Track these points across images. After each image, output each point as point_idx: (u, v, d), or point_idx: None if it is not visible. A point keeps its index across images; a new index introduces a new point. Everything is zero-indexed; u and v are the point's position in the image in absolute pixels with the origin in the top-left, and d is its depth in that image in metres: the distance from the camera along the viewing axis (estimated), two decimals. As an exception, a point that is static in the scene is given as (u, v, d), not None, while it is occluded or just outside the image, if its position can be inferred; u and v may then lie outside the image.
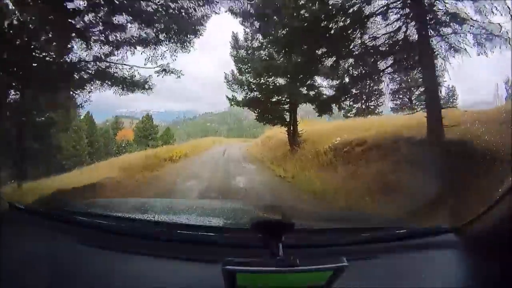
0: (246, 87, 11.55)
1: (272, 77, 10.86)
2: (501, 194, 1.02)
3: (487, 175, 2.14)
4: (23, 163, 7.18)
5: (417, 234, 1.20)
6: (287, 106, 11.44)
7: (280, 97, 11.25)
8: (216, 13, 7.30)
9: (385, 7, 6.38)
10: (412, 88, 12.61)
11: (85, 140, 15.94)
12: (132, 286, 0.92)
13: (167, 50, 7.47)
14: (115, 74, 7.35)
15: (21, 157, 7.11)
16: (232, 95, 12.00)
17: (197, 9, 6.91)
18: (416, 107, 11.94)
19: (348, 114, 13.43)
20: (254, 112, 11.90)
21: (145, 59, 7.53)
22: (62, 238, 1.11)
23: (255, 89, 11.42)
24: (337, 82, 9.10)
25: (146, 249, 1.03)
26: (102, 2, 6.29)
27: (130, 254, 1.02)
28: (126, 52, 7.28)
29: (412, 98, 12.79)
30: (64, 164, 11.61)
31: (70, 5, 6.00)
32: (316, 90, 10.65)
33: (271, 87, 10.92)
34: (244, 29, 10.87)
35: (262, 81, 11.09)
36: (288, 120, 11.27)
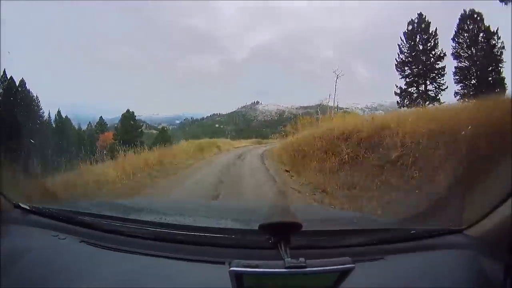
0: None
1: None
2: (507, 193, 1.02)
3: (495, 175, 1.78)
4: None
5: (424, 235, 1.19)
6: None
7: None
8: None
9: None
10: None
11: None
12: (139, 287, 0.92)
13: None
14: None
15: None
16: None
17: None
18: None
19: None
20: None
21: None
22: (67, 239, 1.11)
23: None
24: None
25: (153, 250, 1.03)
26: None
27: (135, 255, 1.03)
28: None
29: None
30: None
31: None
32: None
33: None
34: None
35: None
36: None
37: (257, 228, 0.87)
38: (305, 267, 0.74)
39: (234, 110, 26.40)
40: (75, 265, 1.00)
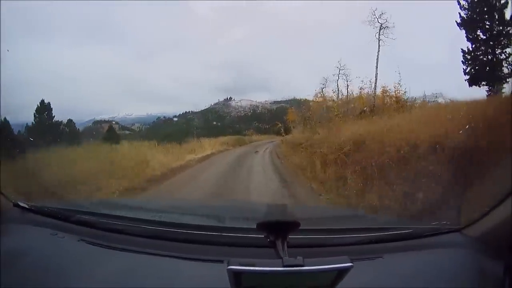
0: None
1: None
2: (505, 193, 1.03)
3: (493, 174, 1.81)
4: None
5: (423, 234, 1.19)
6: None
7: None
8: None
9: None
10: None
11: None
12: (137, 285, 0.93)
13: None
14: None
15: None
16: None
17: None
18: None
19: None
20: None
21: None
22: (66, 237, 1.12)
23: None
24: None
25: (151, 249, 1.05)
26: None
27: (133, 253, 1.04)
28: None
29: None
30: None
31: None
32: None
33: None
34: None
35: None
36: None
37: (255, 226, 0.86)
38: (303, 265, 0.74)
39: (207, 107, 25.22)
40: (73, 264, 1.00)
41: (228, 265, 0.71)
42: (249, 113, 23.47)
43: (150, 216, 1.32)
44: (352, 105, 11.09)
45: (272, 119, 22.00)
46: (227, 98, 25.04)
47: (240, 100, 24.25)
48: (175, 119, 24.76)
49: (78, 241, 1.08)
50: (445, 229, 1.21)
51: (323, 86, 12.40)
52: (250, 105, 23.92)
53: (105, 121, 21.26)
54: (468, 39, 9.43)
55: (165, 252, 1.01)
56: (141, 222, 1.18)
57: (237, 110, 24.08)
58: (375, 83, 10.98)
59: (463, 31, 9.32)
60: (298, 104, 18.09)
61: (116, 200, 2.87)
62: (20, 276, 0.93)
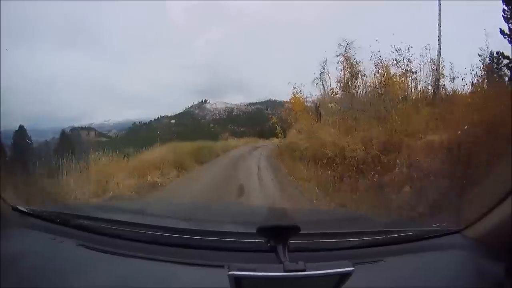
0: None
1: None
2: (505, 192, 1.03)
3: (493, 174, 1.71)
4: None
5: (423, 236, 1.19)
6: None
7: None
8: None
9: None
10: None
11: None
12: None
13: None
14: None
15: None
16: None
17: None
18: None
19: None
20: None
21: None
22: (64, 242, 1.11)
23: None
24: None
25: (151, 254, 1.03)
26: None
27: (133, 259, 1.03)
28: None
29: None
30: None
31: None
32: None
33: None
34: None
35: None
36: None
37: (255, 231, 0.86)
38: (304, 270, 0.72)
39: (181, 111, 24.65)
40: (72, 269, 0.98)
41: (228, 270, 0.71)
42: (224, 116, 22.98)
43: (149, 221, 1.31)
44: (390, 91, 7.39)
45: (247, 121, 21.51)
46: (203, 101, 24.48)
47: (215, 103, 23.81)
48: (173, 121, 23.97)
49: (77, 245, 1.07)
50: (446, 230, 1.21)
51: (321, 71, 9.66)
52: (226, 107, 23.51)
53: (82, 128, 20.84)
54: (506, 20, 7.15)
55: (165, 257, 1.00)
56: (141, 227, 1.17)
57: (212, 113, 23.54)
58: (439, 52, 7.20)
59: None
60: (273, 105, 17.72)
61: (115, 204, 2.82)
62: (18, 280, 0.92)
